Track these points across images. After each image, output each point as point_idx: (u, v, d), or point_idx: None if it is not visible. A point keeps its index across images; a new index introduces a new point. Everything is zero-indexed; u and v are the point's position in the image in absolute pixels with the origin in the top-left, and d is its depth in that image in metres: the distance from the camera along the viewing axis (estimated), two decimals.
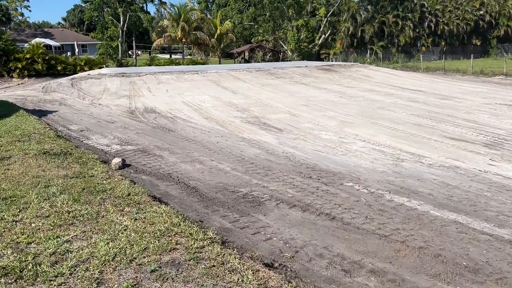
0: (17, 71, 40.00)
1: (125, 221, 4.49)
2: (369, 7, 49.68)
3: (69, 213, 4.70)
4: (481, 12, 53.20)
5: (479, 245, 4.90)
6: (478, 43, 53.93)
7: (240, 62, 55.01)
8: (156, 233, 4.18)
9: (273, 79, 27.37)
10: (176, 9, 47.71)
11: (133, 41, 51.78)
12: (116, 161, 7.51)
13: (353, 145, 10.74)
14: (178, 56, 63.50)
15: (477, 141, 11.27)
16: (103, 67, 41.59)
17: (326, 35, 50.63)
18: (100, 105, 18.05)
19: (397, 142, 11.15)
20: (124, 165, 7.57)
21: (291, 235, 5.01)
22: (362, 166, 8.67)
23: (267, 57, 55.33)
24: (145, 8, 53.81)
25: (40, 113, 14.68)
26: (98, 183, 5.95)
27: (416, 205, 6.31)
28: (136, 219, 4.59)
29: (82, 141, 10.23)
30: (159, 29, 48.58)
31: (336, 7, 50.35)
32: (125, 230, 4.24)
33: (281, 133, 12.26)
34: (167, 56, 64.30)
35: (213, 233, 4.35)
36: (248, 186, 6.99)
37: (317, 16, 50.40)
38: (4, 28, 56.41)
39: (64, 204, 5.00)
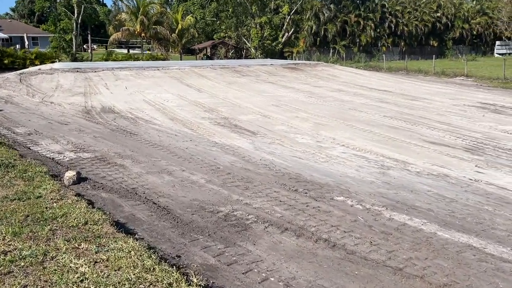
0: None
1: (82, 266, 3.44)
2: (331, 6, 49.57)
3: (5, 255, 3.59)
4: (438, 14, 54.58)
5: (508, 279, 4.21)
6: (435, 44, 55.31)
7: (202, 59, 53.61)
8: (125, 285, 3.16)
9: (239, 77, 26.44)
10: (134, 2, 45.72)
11: (89, 35, 49.18)
12: (70, 174, 6.32)
13: (333, 151, 10.01)
14: (137, 51, 61.15)
15: (457, 145, 10.84)
16: (56, 61, 39.12)
17: (290, 33, 50.17)
18: (52, 104, 16.45)
19: (377, 147, 10.53)
20: (79, 179, 6.39)
21: (290, 272, 4.11)
22: (348, 176, 7.92)
23: (230, 54, 54.24)
24: (101, 0, 51.23)
25: None
26: (46, 207, 4.82)
27: (420, 224, 5.59)
28: (96, 262, 3.56)
29: (29, 147, 8.81)
30: (117, 23, 46.34)
31: (299, 5, 49.97)
32: (82, 281, 3.20)
33: (255, 136, 11.36)
34: (125, 51, 61.79)
35: (197, 279, 3.40)
36: (229, 203, 6.03)
37: (280, 13, 49.82)
38: None
39: (0, 240, 3.87)
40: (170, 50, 53.39)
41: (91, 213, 4.71)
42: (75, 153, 8.68)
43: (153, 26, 44.90)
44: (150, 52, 49.14)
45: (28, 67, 36.36)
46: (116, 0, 48.15)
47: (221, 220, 5.39)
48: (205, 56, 53.75)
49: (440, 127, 13.04)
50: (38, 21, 66.00)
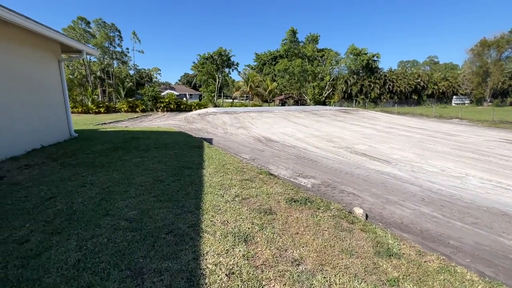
0: (160, 108, 37.77)
1: None
2: (355, 76, 45.62)
3: None
4: (418, 80, 48.58)
5: None
6: (416, 98, 49.23)
7: (277, 106, 51.50)
8: None
9: (318, 117, 23.87)
10: (246, 75, 45.05)
11: (222, 92, 49.24)
12: (360, 211, 4.21)
13: (473, 180, 7.13)
14: (236, 101, 60.49)
15: None
16: (207, 107, 38.93)
17: (329, 91, 46.80)
18: (232, 134, 14.87)
19: (494, 176, 7.49)
20: (366, 215, 4.26)
21: None
22: None
23: (292, 103, 51.70)
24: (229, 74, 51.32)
25: (206, 141, 11.50)
26: (412, 262, 2.64)
27: None
28: None
29: (274, 174, 6.89)
30: (237, 86, 45.92)
31: (335, 76, 46.58)
32: None
33: (392, 165, 8.65)
34: (230, 100, 61.35)
35: None
36: (506, 247, 3.57)
37: (324, 80, 46.64)
38: (149, 85, 54.67)
39: None
40: (255, 100, 51.92)
41: (454, 270, 2.48)
42: (304, 178, 6.59)
43: (256, 88, 43.76)
44: (252, 102, 47.90)
45: (193, 110, 36.27)
46: (229, 72, 46.54)
47: None
48: (280, 104, 51.63)
49: (502, 158, 9.60)
50: (193, 86, 68.15)
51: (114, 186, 4.35)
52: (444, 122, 22.65)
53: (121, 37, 42.57)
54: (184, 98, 53.00)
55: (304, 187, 5.74)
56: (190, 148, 8.04)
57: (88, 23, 40.27)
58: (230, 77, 48.13)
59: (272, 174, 5.95)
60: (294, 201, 4.18)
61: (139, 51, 47.74)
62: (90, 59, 42.77)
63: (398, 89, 46.95)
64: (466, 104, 48.72)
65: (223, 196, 4.20)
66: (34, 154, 6.46)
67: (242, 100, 55.05)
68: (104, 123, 20.75)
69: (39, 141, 7.25)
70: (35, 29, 6.44)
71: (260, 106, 42.63)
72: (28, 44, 7.00)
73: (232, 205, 3.85)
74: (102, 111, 34.81)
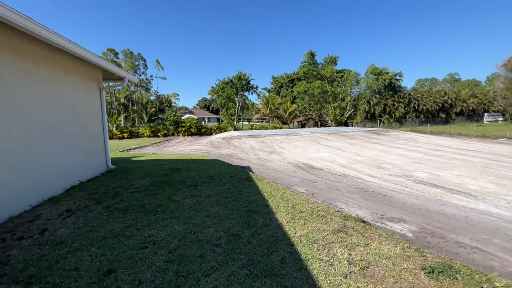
0: (182, 132, 37.94)
1: None
2: (377, 95, 44.46)
3: None
4: (445, 98, 46.59)
5: None
6: (443, 116, 46.88)
7: (296, 127, 50.61)
8: None
9: (349, 139, 22.48)
10: (266, 98, 45.15)
11: (241, 115, 49.39)
12: None
13: None
14: (257, 123, 60.28)
15: None
16: (227, 130, 38.63)
17: (350, 112, 45.60)
18: (266, 160, 13.79)
19: None
20: None
21: None
22: None
23: (311, 124, 50.63)
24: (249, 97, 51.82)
25: (248, 171, 10.49)
26: None
27: None
28: None
29: (362, 221, 5.72)
30: (255, 109, 45.88)
31: (356, 96, 45.62)
32: None
33: (481, 199, 7.21)
34: (246, 122, 61.22)
35: None
36: None
37: (345, 101, 45.71)
38: (170, 110, 55.99)
39: None
40: (275, 122, 51.36)
41: None
42: (391, 222, 5.29)
43: (275, 110, 43.45)
44: (272, 124, 47.41)
45: (213, 134, 36.01)
46: (247, 94, 46.65)
47: None
48: (299, 126, 50.73)
49: None
50: (211, 110, 69.54)
51: (183, 246, 3.31)
52: (492, 142, 20.54)
53: (146, 66, 44.55)
54: (203, 122, 53.54)
55: (405, 237, 4.44)
56: (240, 182, 7.03)
57: (116, 54, 42.65)
58: (250, 100, 48.50)
59: (364, 221, 4.72)
60: (438, 273, 2.93)
61: (161, 78, 49.69)
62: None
63: (424, 107, 45.02)
64: (499, 122, 45.69)
65: (332, 264, 3.03)
66: (73, 193, 5.66)
67: (258, 122, 54.74)
68: (129, 149, 20.51)
69: (78, 176, 6.53)
70: (83, 55, 5.99)
71: (280, 128, 41.87)
72: (72, 71, 6.57)
73: (358, 284, 2.66)
74: (125, 136, 35.36)
